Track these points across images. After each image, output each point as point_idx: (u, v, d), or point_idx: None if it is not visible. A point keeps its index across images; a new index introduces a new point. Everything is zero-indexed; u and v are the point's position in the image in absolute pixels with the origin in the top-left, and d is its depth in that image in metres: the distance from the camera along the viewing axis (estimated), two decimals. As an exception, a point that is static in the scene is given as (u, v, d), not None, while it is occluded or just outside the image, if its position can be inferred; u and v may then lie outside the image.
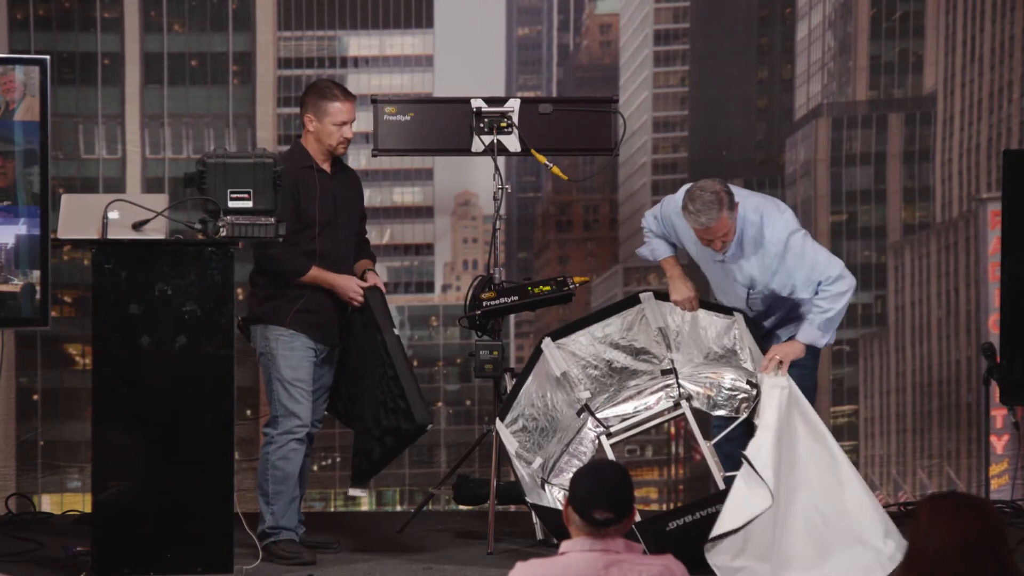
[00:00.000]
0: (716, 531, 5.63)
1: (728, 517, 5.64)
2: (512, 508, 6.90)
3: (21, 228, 6.17)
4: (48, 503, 7.59)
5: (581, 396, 6.44)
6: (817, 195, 7.98)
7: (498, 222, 6.71)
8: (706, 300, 6.39)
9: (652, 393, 6.59)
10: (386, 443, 6.25)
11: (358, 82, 7.93)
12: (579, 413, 6.48)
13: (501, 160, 6.78)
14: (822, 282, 6.04)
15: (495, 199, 6.70)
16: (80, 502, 7.43)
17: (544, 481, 6.42)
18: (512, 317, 7.68)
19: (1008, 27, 7.92)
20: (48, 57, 6.30)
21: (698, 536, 5.65)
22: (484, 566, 6.21)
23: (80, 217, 5.77)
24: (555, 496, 6.38)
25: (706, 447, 6.34)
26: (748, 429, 6.30)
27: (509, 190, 6.92)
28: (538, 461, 6.37)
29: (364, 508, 7.84)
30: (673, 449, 8.09)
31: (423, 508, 6.98)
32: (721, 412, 6.45)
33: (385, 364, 6.20)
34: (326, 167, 6.36)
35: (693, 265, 6.48)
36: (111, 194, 6.02)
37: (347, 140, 6.35)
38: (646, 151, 8.11)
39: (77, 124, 7.76)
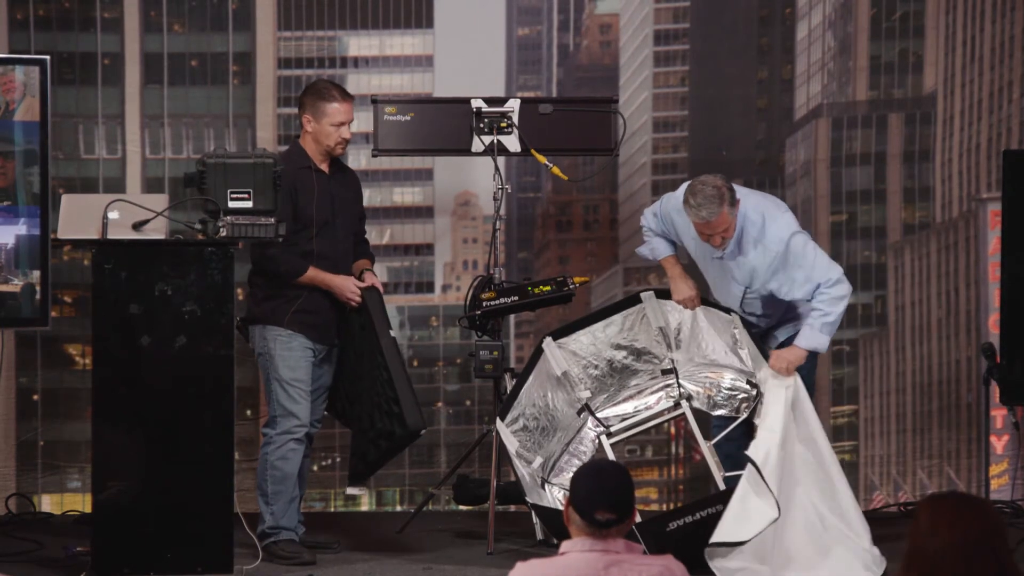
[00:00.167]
0: (720, 538, 5.62)
1: (734, 527, 5.63)
2: (512, 508, 6.89)
3: (21, 228, 6.17)
4: (48, 503, 7.59)
5: (581, 395, 6.44)
6: (817, 195, 7.98)
7: (498, 222, 6.71)
8: (707, 299, 6.39)
9: (652, 393, 6.59)
10: (380, 446, 6.25)
11: (358, 82, 7.93)
12: (579, 412, 6.48)
13: (501, 160, 6.78)
14: (821, 284, 6.03)
15: (495, 199, 6.70)
16: (80, 502, 7.43)
17: (544, 481, 6.42)
18: (512, 317, 7.68)
19: (1008, 27, 7.92)
20: (48, 57, 6.29)
21: (699, 536, 5.65)
22: (484, 566, 6.21)
23: (80, 217, 5.77)
24: (555, 496, 6.38)
25: (706, 447, 6.34)
26: (748, 429, 6.31)
27: (509, 190, 6.92)
28: (538, 460, 6.37)
29: (364, 508, 7.84)
30: (673, 449, 8.09)
31: (423, 508, 6.98)
32: (721, 412, 6.45)
33: (380, 367, 6.19)
34: (324, 167, 6.36)
35: (693, 264, 6.48)
36: (111, 194, 6.03)
37: (345, 141, 6.35)
38: (646, 151, 8.11)
39: (77, 124, 7.76)
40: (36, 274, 6.18)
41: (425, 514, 7.01)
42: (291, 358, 6.24)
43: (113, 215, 5.72)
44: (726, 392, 6.44)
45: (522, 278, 7.35)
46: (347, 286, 6.29)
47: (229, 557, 5.76)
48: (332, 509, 7.87)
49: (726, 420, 6.41)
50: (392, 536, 6.77)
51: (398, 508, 7.84)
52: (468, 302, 6.60)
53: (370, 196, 7.52)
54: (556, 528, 6.03)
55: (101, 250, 5.73)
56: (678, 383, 6.48)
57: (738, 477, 5.80)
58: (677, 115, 8.18)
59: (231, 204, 5.74)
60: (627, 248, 7.93)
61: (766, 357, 6.19)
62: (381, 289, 6.41)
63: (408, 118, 6.80)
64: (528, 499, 6.16)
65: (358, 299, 6.28)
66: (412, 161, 7.95)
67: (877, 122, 8.02)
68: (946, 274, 7.97)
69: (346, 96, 6.36)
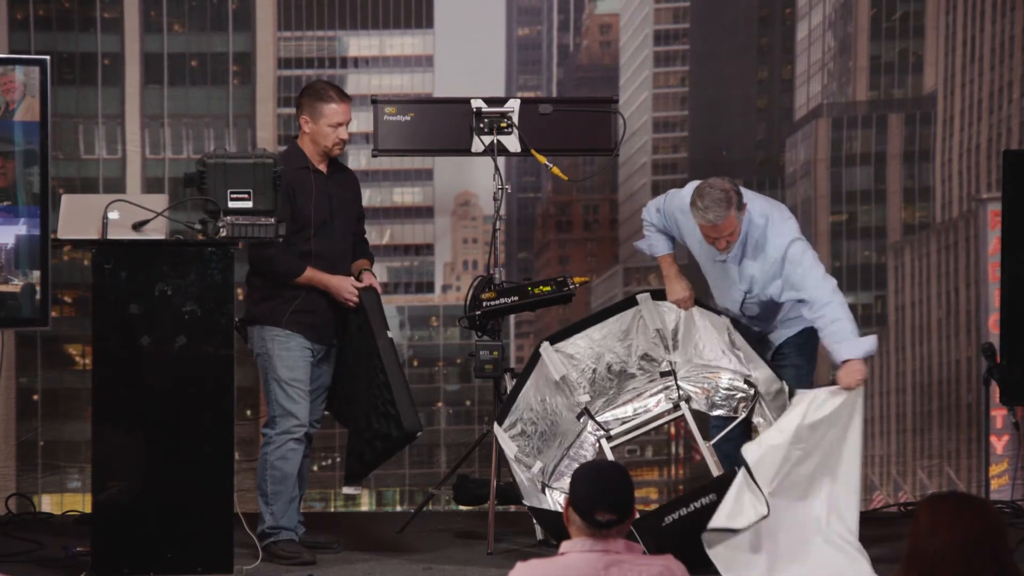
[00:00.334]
0: (716, 524, 5.63)
1: (730, 515, 5.65)
2: (512, 508, 6.89)
3: (21, 228, 6.17)
4: (48, 503, 7.59)
5: (580, 400, 6.44)
6: (817, 195, 7.98)
7: (498, 222, 6.71)
8: (700, 300, 6.39)
9: (651, 395, 6.58)
10: (376, 447, 6.25)
11: (358, 82, 7.93)
12: (579, 417, 6.47)
13: (501, 160, 6.77)
14: (812, 305, 5.97)
15: (495, 199, 6.70)
16: (80, 502, 7.43)
17: (545, 485, 6.41)
18: (512, 317, 7.68)
19: (1008, 27, 7.93)
20: (48, 57, 6.29)
21: (695, 529, 5.66)
22: (484, 566, 6.21)
23: (80, 217, 5.77)
24: (556, 500, 6.38)
25: (705, 447, 6.34)
26: (746, 429, 6.31)
27: (509, 190, 6.92)
28: (538, 466, 6.36)
29: (364, 508, 7.85)
30: (673, 449, 8.09)
31: (423, 508, 6.98)
32: (719, 412, 6.45)
33: (377, 368, 6.19)
34: (322, 168, 6.36)
35: (692, 264, 6.48)
36: (111, 194, 6.02)
37: (343, 141, 6.35)
38: (646, 151, 8.11)
39: (77, 124, 7.76)
40: (36, 274, 6.18)
41: (425, 514, 7.01)
42: (289, 358, 6.24)
43: (113, 215, 5.71)
44: (724, 392, 6.44)
45: (522, 278, 7.34)
46: (344, 286, 6.29)
47: (229, 557, 5.76)
48: (332, 509, 7.88)
49: (725, 420, 6.40)
50: (392, 536, 6.77)
51: (398, 508, 7.84)
52: (468, 302, 6.59)
53: (370, 196, 7.52)
54: (556, 531, 6.03)
55: (101, 250, 5.73)
56: (677, 385, 6.47)
57: (735, 473, 5.81)
58: (677, 115, 8.18)
59: (231, 204, 5.73)
60: (627, 248, 7.93)
61: (763, 358, 6.19)
62: (379, 289, 6.41)
63: (408, 118, 6.80)
64: (527, 503, 6.16)
65: (355, 299, 6.28)
66: (412, 161, 7.95)
67: (877, 122, 8.02)
68: (946, 274, 7.97)
69: (344, 97, 6.35)
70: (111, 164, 7.78)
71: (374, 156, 6.94)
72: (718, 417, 6.45)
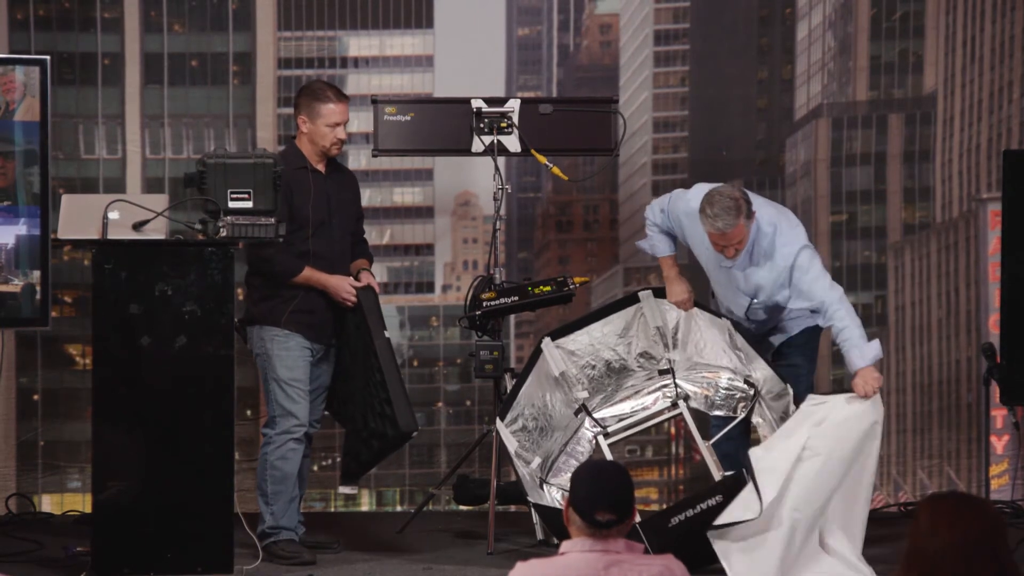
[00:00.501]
0: (725, 520, 5.64)
1: (738, 512, 5.65)
2: (512, 508, 6.90)
3: (21, 228, 6.17)
4: (48, 503, 7.59)
5: (579, 396, 6.44)
6: (817, 195, 7.98)
7: (498, 222, 6.71)
8: (700, 303, 6.39)
9: (649, 393, 6.58)
10: (372, 446, 6.25)
11: (358, 82, 7.93)
12: (576, 413, 6.47)
13: (501, 160, 6.77)
14: (824, 309, 5.98)
15: (495, 199, 6.70)
16: (80, 502, 7.43)
17: (543, 481, 6.42)
18: (512, 317, 7.68)
19: (1008, 27, 7.93)
20: (48, 57, 6.29)
21: (700, 531, 5.66)
22: (484, 566, 6.21)
23: (80, 217, 5.77)
24: (554, 496, 6.38)
25: (704, 447, 6.34)
26: (746, 429, 6.31)
27: (509, 190, 6.92)
28: (537, 461, 6.36)
29: (364, 508, 7.85)
30: (673, 449, 8.09)
31: (423, 508, 6.98)
32: (719, 412, 6.45)
33: (374, 368, 6.19)
34: (320, 168, 6.36)
35: (693, 265, 6.48)
36: (111, 194, 6.02)
37: (341, 141, 6.35)
38: (646, 151, 8.11)
39: (77, 124, 7.76)
40: (36, 274, 6.19)
41: (425, 514, 7.01)
42: (288, 358, 6.24)
43: (113, 215, 5.71)
44: (724, 392, 6.44)
45: (522, 278, 7.34)
46: (342, 286, 6.29)
47: (229, 557, 5.76)
48: (332, 509, 7.87)
49: (724, 420, 6.40)
50: (392, 536, 6.77)
51: (398, 508, 7.84)
52: (468, 302, 6.59)
53: (370, 196, 7.52)
54: (557, 527, 6.03)
55: (101, 250, 5.72)
56: (675, 383, 6.47)
57: (742, 475, 5.81)
58: (677, 115, 8.18)
59: (231, 204, 5.73)
60: (627, 248, 7.93)
61: (764, 358, 6.20)
62: (377, 289, 6.41)
63: (408, 118, 6.80)
64: (529, 498, 6.16)
65: (353, 299, 6.28)
66: (412, 161, 7.95)
67: (877, 122, 8.02)
68: (946, 274, 7.97)
69: (341, 97, 6.35)
70: (111, 164, 7.79)
71: (374, 156, 6.93)
72: (718, 417, 6.45)
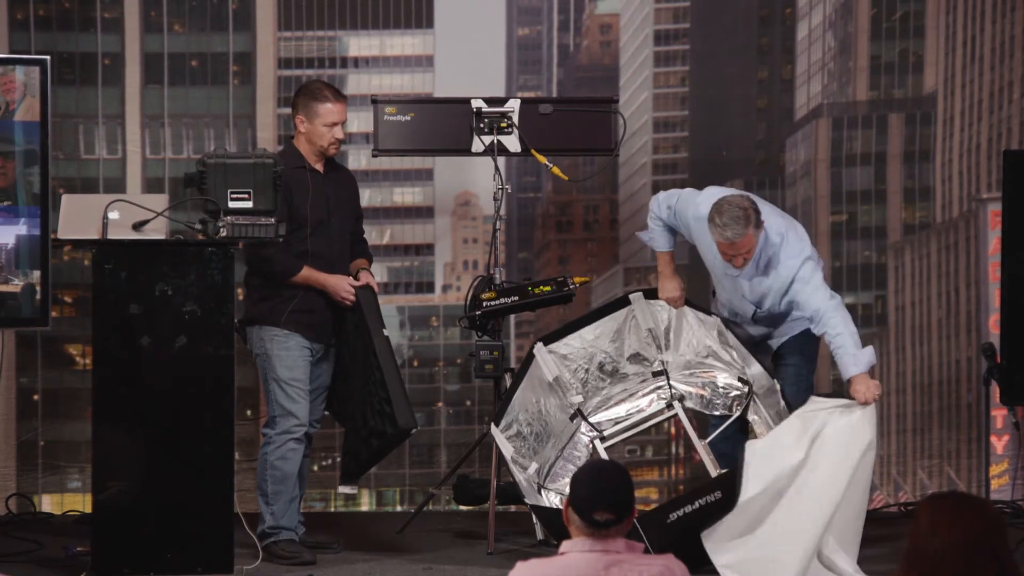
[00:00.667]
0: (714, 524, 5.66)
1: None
2: (512, 508, 6.89)
3: (21, 228, 6.17)
4: (48, 503, 7.59)
5: (573, 400, 6.43)
6: (817, 195, 7.98)
7: (498, 222, 6.71)
8: (691, 301, 6.38)
9: (644, 395, 6.57)
10: (372, 444, 6.25)
11: (358, 82, 7.93)
12: (572, 418, 6.46)
13: (501, 160, 6.77)
14: (817, 320, 5.98)
15: (495, 199, 6.70)
16: (80, 502, 7.43)
17: (541, 487, 6.41)
18: (512, 317, 7.68)
19: (1008, 27, 7.93)
20: (48, 57, 6.29)
21: (699, 526, 5.67)
22: (484, 566, 6.21)
23: (80, 217, 5.77)
24: (552, 501, 6.37)
25: (701, 446, 6.33)
26: (743, 427, 6.31)
27: (509, 190, 6.92)
28: (533, 467, 6.36)
29: (364, 508, 7.84)
30: (673, 449, 8.09)
31: (423, 508, 6.98)
32: (715, 411, 6.44)
33: (373, 367, 6.19)
34: (319, 167, 6.36)
35: (692, 265, 6.47)
36: (111, 194, 6.02)
37: (338, 141, 6.34)
38: (646, 151, 8.11)
39: (77, 124, 7.76)
40: (36, 274, 6.18)
41: (425, 514, 7.01)
42: (288, 358, 6.24)
43: (113, 215, 5.71)
44: (720, 391, 6.44)
45: (522, 278, 7.34)
46: (341, 285, 6.29)
47: (229, 557, 5.76)
48: (332, 509, 7.87)
49: (721, 419, 6.40)
50: (392, 536, 6.77)
51: (398, 508, 7.84)
52: (468, 302, 6.59)
53: (370, 196, 7.53)
54: (557, 529, 6.03)
55: (101, 250, 5.72)
56: (669, 384, 6.46)
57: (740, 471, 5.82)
58: (677, 115, 8.18)
59: (231, 204, 5.73)
60: (627, 248, 7.93)
61: (761, 358, 6.20)
62: (376, 288, 6.41)
63: (408, 118, 6.80)
64: (528, 502, 6.16)
65: (352, 298, 6.28)
66: (412, 161, 7.95)
67: (877, 122, 8.02)
68: (946, 274, 7.97)
69: (339, 96, 6.35)
70: (111, 164, 7.79)
71: (374, 156, 6.94)
72: (717, 416, 6.45)
